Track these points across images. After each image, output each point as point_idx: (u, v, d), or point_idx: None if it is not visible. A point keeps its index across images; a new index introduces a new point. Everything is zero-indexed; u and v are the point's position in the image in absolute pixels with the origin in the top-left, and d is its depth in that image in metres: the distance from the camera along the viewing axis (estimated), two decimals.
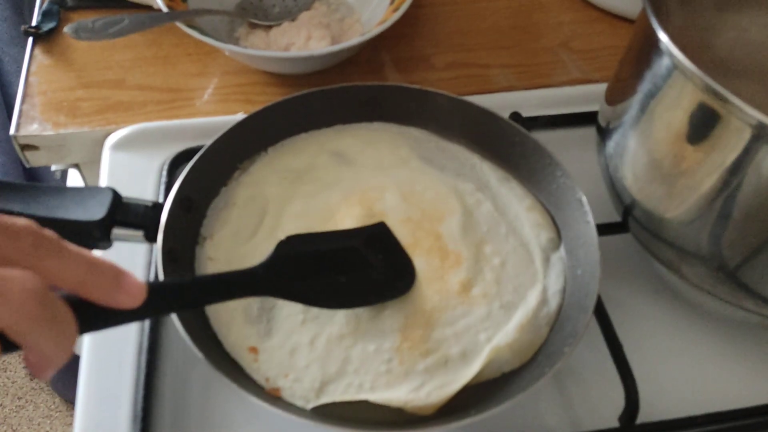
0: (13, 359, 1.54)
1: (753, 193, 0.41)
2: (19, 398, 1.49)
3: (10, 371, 1.53)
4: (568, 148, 0.56)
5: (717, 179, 0.42)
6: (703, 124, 0.42)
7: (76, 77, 0.67)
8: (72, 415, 0.47)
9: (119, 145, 0.62)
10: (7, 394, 1.49)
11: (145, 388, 0.47)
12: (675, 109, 0.44)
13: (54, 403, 1.50)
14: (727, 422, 0.47)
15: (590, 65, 0.71)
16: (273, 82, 0.68)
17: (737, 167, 0.41)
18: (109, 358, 0.50)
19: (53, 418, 1.49)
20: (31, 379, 1.53)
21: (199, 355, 0.42)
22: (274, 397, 0.43)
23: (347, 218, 0.51)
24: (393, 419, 0.43)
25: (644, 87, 0.47)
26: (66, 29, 0.60)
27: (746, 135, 0.39)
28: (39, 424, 1.47)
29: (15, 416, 1.47)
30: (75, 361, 0.48)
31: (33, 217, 0.46)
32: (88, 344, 0.51)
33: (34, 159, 0.64)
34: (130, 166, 0.61)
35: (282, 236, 0.50)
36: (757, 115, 0.38)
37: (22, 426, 1.46)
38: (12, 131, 0.62)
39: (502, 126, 0.56)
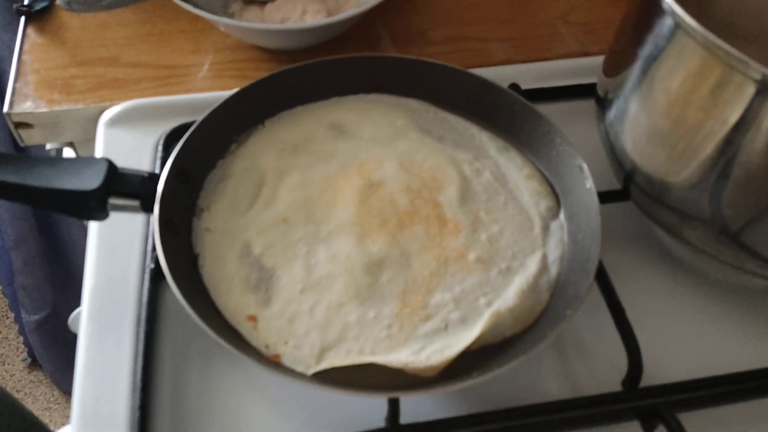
0: (11, 352, 1.54)
1: (757, 151, 0.41)
2: (18, 391, 1.49)
3: (9, 364, 1.52)
4: (566, 121, 0.55)
5: (720, 138, 0.42)
6: (706, 83, 0.41)
7: (69, 55, 0.67)
8: (71, 408, 0.47)
9: (114, 122, 0.61)
10: (5, 387, 1.48)
11: (144, 358, 0.46)
12: (677, 70, 0.43)
13: (53, 395, 1.49)
14: (731, 385, 0.46)
15: (588, 38, 0.70)
16: (268, 58, 0.67)
17: (741, 125, 0.40)
18: (107, 330, 0.49)
19: (52, 410, 1.49)
20: (30, 372, 1.52)
21: (199, 322, 0.41)
22: (274, 363, 0.43)
23: (346, 189, 0.51)
24: (395, 384, 0.42)
25: (645, 51, 0.46)
26: (59, 1, 0.60)
27: (750, 90, 0.39)
28: (38, 417, 1.46)
29: None
30: (74, 352, 0.47)
31: (28, 187, 0.46)
32: (86, 316, 0.50)
33: (28, 137, 0.64)
34: (125, 142, 0.60)
35: (279, 208, 0.50)
36: (762, 69, 0.37)
37: None
38: (5, 109, 0.62)
39: (501, 95, 0.56)
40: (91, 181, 0.46)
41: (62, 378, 1.43)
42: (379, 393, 0.42)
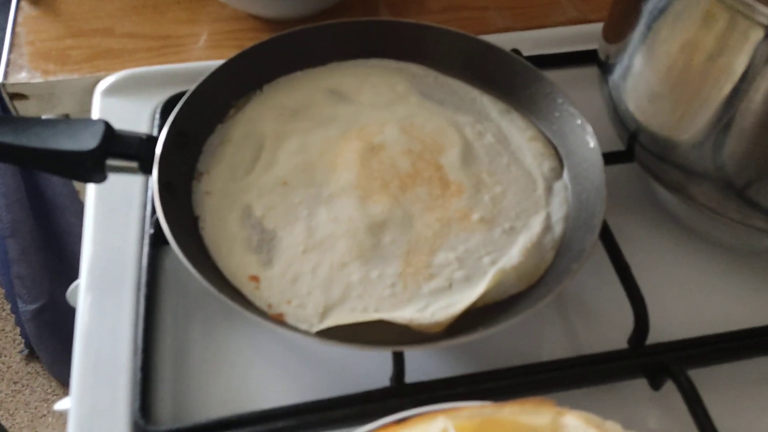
0: (8, 344, 1.53)
1: (763, 100, 0.40)
2: (15, 383, 1.48)
3: (6, 356, 1.51)
4: (568, 87, 0.54)
5: (726, 89, 0.41)
6: (711, 31, 0.41)
7: (64, 27, 0.66)
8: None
9: (110, 91, 0.60)
10: (2, 379, 1.47)
11: (145, 322, 0.45)
12: (682, 21, 0.43)
13: (51, 386, 1.48)
14: (738, 341, 0.46)
15: (587, 5, 0.70)
16: (265, 28, 0.66)
17: (747, 72, 0.40)
18: (106, 297, 0.49)
19: (50, 402, 1.48)
20: (27, 364, 1.51)
21: (202, 280, 0.41)
22: (278, 322, 0.42)
23: (347, 152, 0.50)
24: (400, 341, 0.42)
25: (649, 6, 0.46)
26: None
27: (758, 35, 0.38)
28: (36, 408, 1.46)
29: (11, 401, 1.45)
30: (71, 343, 0.47)
31: (25, 148, 0.45)
32: (85, 285, 0.49)
33: (23, 109, 0.63)
34: (122, 111, 0.59)
35: (279, 171, 0.50)
36: None
37: (19, 410, 1.45)
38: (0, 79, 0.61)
39: (502, 58, 0.55)
40: (87, 141, 0.45)
41: (60, 369, 1.42)
42: (384, 347, 0.41)
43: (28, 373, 1.51)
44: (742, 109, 0.41)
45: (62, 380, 1.46)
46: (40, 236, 1.22)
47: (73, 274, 0.54)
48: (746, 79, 0.40)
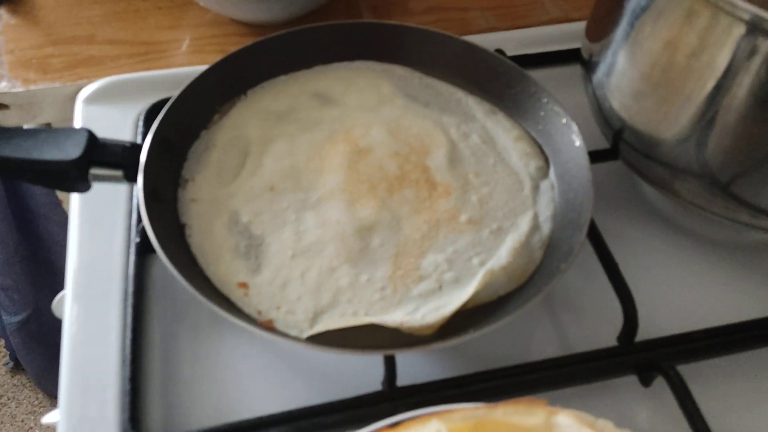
0: None
1: (746, 95, 0.41)
2: (1, 396, 1.46)
3: None
4: (552, 86, 0.55)
5: (709, 85, 0.42)
6: (694, 27, 0.41)
7: (44, 35, 0.65)
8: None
9: (92, 99, 0.60)
10: None
11: (133, 332, 0.45)
12: (664, 18, 0.43)
13: (37, 398, 1.47)
14: (726, 336, 0.46)
15: (569, 4, 0.70)
16: (248, 33, 0.66)
17: (730, 68, 0.40)
18: (93, 307, 0.48)
19: (37, 414, 1.46)
20: (13, 376, 1.49)
21: (190, 288, 0.40)
22: (267, 328, 0.42)
23: (333, 156, 0.50)
24: (391, 345, 0.42)
25: (632, 4, 0.46)
26: None
27: (739, 31, 0.39)
28: (23, 421, 1.44)
29: None
30: (57, 354, 0.46)
31: (6, 159, 0.44)
32: (71, 296, 0.49)
33: (4, 119, 0.62)
34: (104, 118, 0.59)
35: (266, 176, 0.49)
36: (750, 8, 0.37)
37: (5, 423, 1.43)
38: None
39: (486, 58, 0.55)
40: (71, 150, 0.45)
41: (46, 381, 1.40)
42: (375, 350, 0.41)
43: (14, 385, 1.49)
44: (725, 105, 0.42)
45: (49, 392, 1.44)
46: (24, 246, 1.21)
47: (58, 283, 0.53)
48: (729, 75, 0.41)
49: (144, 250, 0.49)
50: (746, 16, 0.38)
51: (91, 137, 0.46)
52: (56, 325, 0.49)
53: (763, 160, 0.43)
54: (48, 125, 0.66)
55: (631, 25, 0.46)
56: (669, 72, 0.44)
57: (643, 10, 0.45)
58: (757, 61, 0.39)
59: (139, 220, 0.48)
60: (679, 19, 0.42)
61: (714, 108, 0.42)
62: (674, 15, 0.42)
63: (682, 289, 0.51)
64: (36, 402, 1.47)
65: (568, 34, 0.66)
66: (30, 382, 1.47)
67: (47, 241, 1.24)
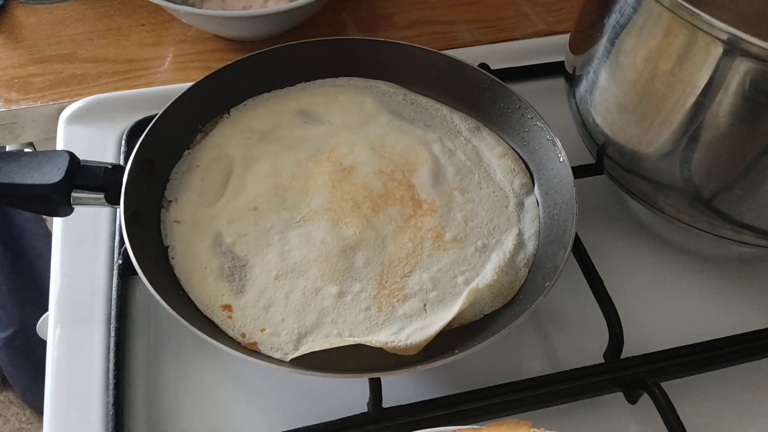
0: None
1: (725, 112, 0.41)
2: None
3: None
4: (537, 100, 0.55)
5: (689, 102, 0.42)
6: (673, 47, 0.41)
7: (26, 54, 0.65)
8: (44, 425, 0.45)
9: (75, 118, 0.59)
10: None
11: (116, 356, 0.45)
12: (644, 36, 0.43)
13: (25, 415, 1.45)
14: (710, 351, 0.46)
15: (554, 17, 0.70)
16: (232, 48, 0.66)
17: (709, 86, 0.40)
18: (76, 330, 0.48)
19: (25, 431, 1.44)
20: (0, 393, 1.48)
21: (172, 312, 0.40)
22: (252, 351, 0.42)
23: (317, 175, 0.50)
24: (376, 367, 0.42)
25: (612, 20, 0.46)
26: None
27: (717, 51, 0.39)
28: None
29: None
30: (44, 370, 0.46)
31: None
32: (54, 318, 0.48)
33: None
34: (87, 138, 0.58)
35: (249, 196, 0.49)
36: (728, 29, 0.37)
37: None
38: None
39: (470, 74, 0.55)
40: (52, 174, 0.44)
41: (33, 397, 1.39)
42: (360, 374, 0.41)
43: (1, 402, 1.47)
44: (706, 122, 0.42)
45: (36, 408, 1.43)
46: (9, 262, 1.20)
47: (44, 299, 0.53)
48: (708, 92, 0.41)
49: (127, 272, 0.48)
50: (723, 36, 0.38)
51: (73, 160, 0.45)
52: (42, 341, 0.49)
53: (744, 175, 0.43)
54: (31, 145, 0.66)
55: (612, 42, 0.47)
56: (649, 89, 0.44)
57: (622, 27, 0.45)
58: (735, 80, 0.39)
59: (122, 242, 0.48)
60: (657, 37, 0.42)
61: (694, 124, 0.43)
62: (653, 33, 0.42)
63: (667, 302, 0.51)
64: (24, 419, 1.45)
65: (553, 47, 0.66)
66: (17, 398, 1.45)
67: (33, 257, 1.23)
